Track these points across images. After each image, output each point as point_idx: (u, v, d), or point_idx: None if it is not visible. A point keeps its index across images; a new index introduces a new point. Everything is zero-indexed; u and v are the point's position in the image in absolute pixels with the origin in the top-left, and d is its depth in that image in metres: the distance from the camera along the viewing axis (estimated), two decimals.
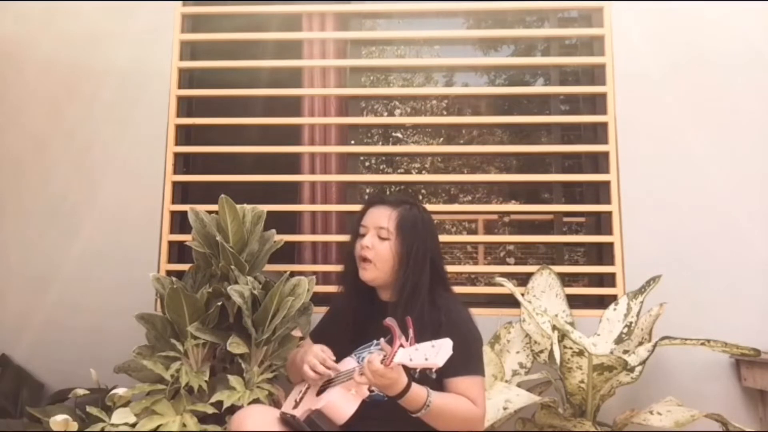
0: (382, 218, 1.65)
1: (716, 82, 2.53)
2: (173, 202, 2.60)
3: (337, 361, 1.62)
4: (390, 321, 1.38)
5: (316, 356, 1.58)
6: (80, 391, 2.02)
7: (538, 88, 2.98)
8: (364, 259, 1.65)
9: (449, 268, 1.79)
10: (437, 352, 1.28)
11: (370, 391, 1.47)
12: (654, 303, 2.11)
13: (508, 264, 3.23)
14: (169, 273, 2.48)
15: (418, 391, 1.40)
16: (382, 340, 1.47)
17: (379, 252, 1.63)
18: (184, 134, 2.72)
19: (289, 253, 2.58)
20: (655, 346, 1.86)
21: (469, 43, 2.91)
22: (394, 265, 1.63)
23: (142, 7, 2.72)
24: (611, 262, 2.46)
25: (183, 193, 2.67)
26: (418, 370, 1.33)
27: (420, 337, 1.40)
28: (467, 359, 1.51)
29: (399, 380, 1.37)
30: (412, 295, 1.59)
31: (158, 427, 1.80)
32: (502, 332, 2.26)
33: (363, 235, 1.67)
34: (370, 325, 1.61)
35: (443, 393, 1.48)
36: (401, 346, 1.33)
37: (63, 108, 2.67)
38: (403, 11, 2.77)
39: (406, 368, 1.36)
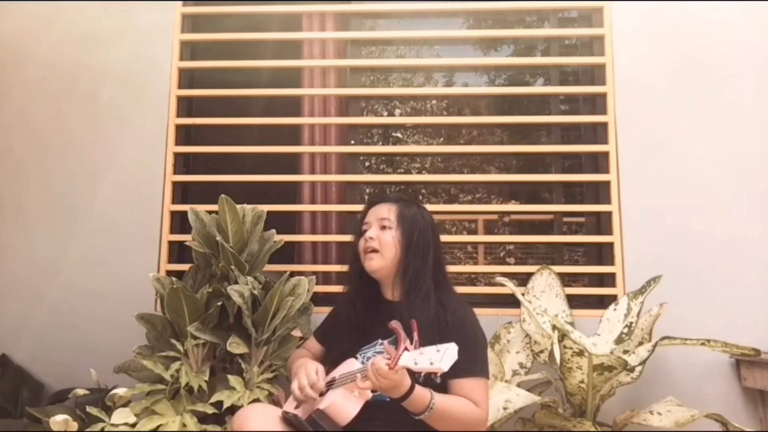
0: (383, 211, 1.70)
1: (716, 81, 2.53)
2: (173, 202, 2.60)
3: (341, 361, 1.63)
4: (395, 324, 1.38)
5: (308, 376, 1.54)
6: (80, 391, 2.02)
7: (538, 88, 2.98)
8: (370, 250, 1.66)
9: (449, 268, 1.80)
10: (442, 356, 1.27)
11: (373, 392, 1.47)
12: (654, 303, 2.11)
13: (508, 264, 3.23)
14: (169, 273, 2.48)
15: (422, 393, 1.41)
16: (385, 341, 1.47)
17: (382, 241, 1.66)
18: (184, 134, 2.72)
19: (289, 253, 2.58)
20: (655, 346, 1.86)
21: (469, 43, 2.91)
22: (397, 253, 1.65)
23: (142, 7, 2.72)
24: (611, 262, 2.46)
25: (183, 193, 2.67)
26: (422, 374, 1.33)
27: (426, 336, 1.40)
28: (472, 361, 1.52)
29: (402, 383, 1.37)
30: (414, 286, 1.60)
31: (158, 427, 1.80)
32: (502, 332, 2.26)
33: (366, 231, 1.69)
34: (375, 325, 1.61)
35: (446, 395, 1.48)
36: (406, 349, 1.33)
37: (63, 108, 2.67)
38: (403, 11, 2.77)
39: (409, 371, 1.36)
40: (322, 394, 1.56)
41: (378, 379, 1.35)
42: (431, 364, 1.27)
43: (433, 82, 3.03)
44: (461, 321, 1.58)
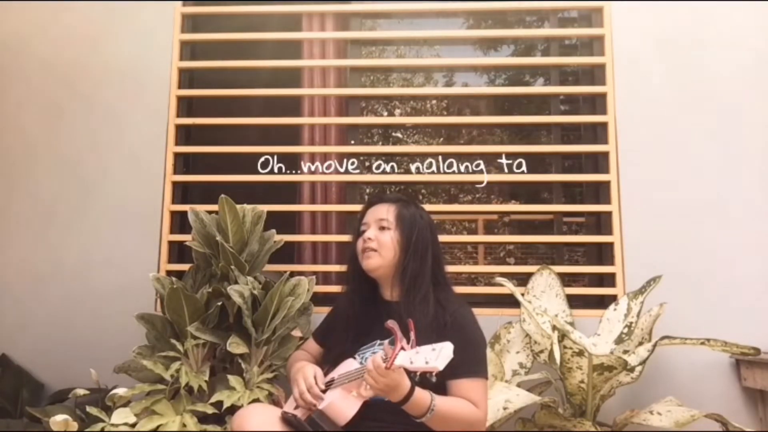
0: (381, 212, 1.70)
1: (716, 81, 2.53)
2: (173, 202, 2.60)
3: (340, 362, 1.63)
4: (391, 323, 1.38)
5: (306, 380, 1.57)
6: (80, 391, 2.02)
7: (538, 88, 2.98)
8: (368, 250, 1.66)
9: (449, 268, 1.80)
10: (437, 355, 1.27)
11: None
12: (654, 303, 2.11)
13: (508, 264, 3.23)
14: (169, 273, 2.48)
15: (422, 396, 1.40)
16: (386, 342, 1.47)
17: (381, 241, 1.66)
18: (184, 134, 2.72)
19: (289, 253, 2.58)
20: (655, 345, 1.86)
21: (469, 43, 2.91)
22: (396, 253, 1.65)
23: (142, 7, 2.72)
24: (611, 262, 2.46)
25: (183, 193, 2.67)
26: (418, 373, 1.33)
27: (425, 337, 1.40)
28: (471, 361, 1.52)
29: (401, 383, 1.37)
30: (413, 287, 1.60)
31: (158, 427, 1.80)
32: (502, 332, 2.26)
33: (364, 232, 1.69)
34: (373, 325, 1.61)
35: (446, 396, 1.48)
36: (402, 348, 1.33)
37: (63, 107, 2.67)
38: (403, 11, 2.77)
39: (406, 371, 1.36)
40: (323, 391, 1.56)
41: (376, 378, 1.35)
42: (427, 363, 1.27)
43: (433, 82, 3.03)
44: (460, 321, 1.58)
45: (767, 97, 2.51)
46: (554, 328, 1.98)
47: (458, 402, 1.48)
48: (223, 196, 2.13)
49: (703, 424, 1.96)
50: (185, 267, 2.33)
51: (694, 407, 1.96)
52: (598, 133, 2.59)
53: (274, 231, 2.29)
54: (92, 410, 1.83)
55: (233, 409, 1.78)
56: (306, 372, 1.59)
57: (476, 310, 1.67)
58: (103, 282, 2.52)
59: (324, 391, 1.57)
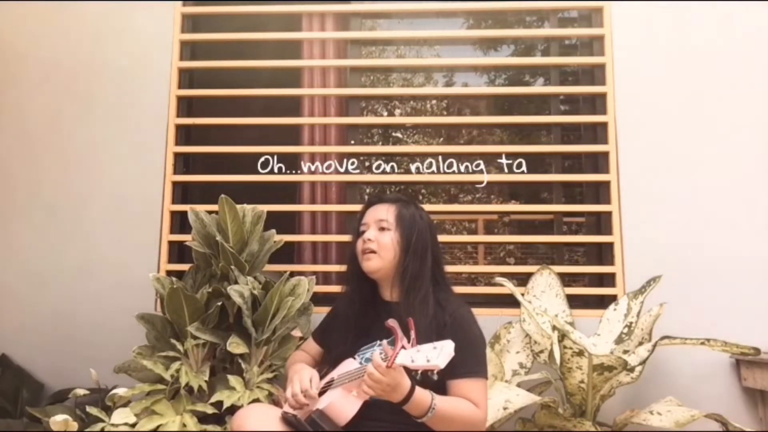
0: (381, 212, 1.70)
1: (716, 81, 2.53)
2: (173, 202, 2.60)
3: (339, 362, 1.63)
4: (392, 322, 1.38)
5: (302, 382, 1.55)
6: (80, 391, 2.02)
7: (538, 88, 2.98)
8: (368, 251, 1.66)
9: (449, 268, 1.80)
10: (439, 353, 1.27)
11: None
12: (654, 303, 2.11)
13: (508, 264, 3.22)
14: (169, 273, 2.48)
15: (422, 395, 1.40)
16: (384, 341, 1.47)
17: (381, 242, 1.65)
18: (184, 134, 2.72)
19: (289, 253, 2.58)
20: (655, 345, 1.86)
21: (469, 43, 2.91)
22: (396, 254, 1.65)
23: (142, 7, 2.72)
24: (611, 262, 2.46)
25: (183, 193, 2.67)
26: (419, 372, 1.33)
27: (424, 338, 1.40)
28: (471, 361, 1.52)
29: (402, 383, 1.37)
30: (413, 288, 1.60)
31: (158, 427, 1.80)
32: (502, 332, 2.26)
33: (364, 232, 1.69)
34: (373, 325, 1.62)
35: (446, 396, 1.48)
36: (403, 347, 1.33)
37: (63, 108, 2.67)
38: (403, 11, 2.78)
39: (408, 371, 1.36)
40: (323, 391, 1.56)
41: (377, 379, 1.35)
42: (428, 361, 1.27)
43: (433, 82, 3.03)
44: (460, 321, 1.58)
45: (767, 95, 2.51)
46: (554, 328, 1.98)
47: (458, 402, 1.48)
48: (223, 196, 2.13)
49: (703, 424, 1.96)
50: (185, 267, 2.33)
51: (694, 407, 1.96)
52: (598, 133, 2.59)
53: (274, 231, 2.29)
54: (92, 410, 1.84)
55: (233, 409, 1.78)
56: (302, 374, 1.58)
57: (476, 310, 1.67)
58: (103, 282, 2.52)
59: (321, 394, 1.57)
